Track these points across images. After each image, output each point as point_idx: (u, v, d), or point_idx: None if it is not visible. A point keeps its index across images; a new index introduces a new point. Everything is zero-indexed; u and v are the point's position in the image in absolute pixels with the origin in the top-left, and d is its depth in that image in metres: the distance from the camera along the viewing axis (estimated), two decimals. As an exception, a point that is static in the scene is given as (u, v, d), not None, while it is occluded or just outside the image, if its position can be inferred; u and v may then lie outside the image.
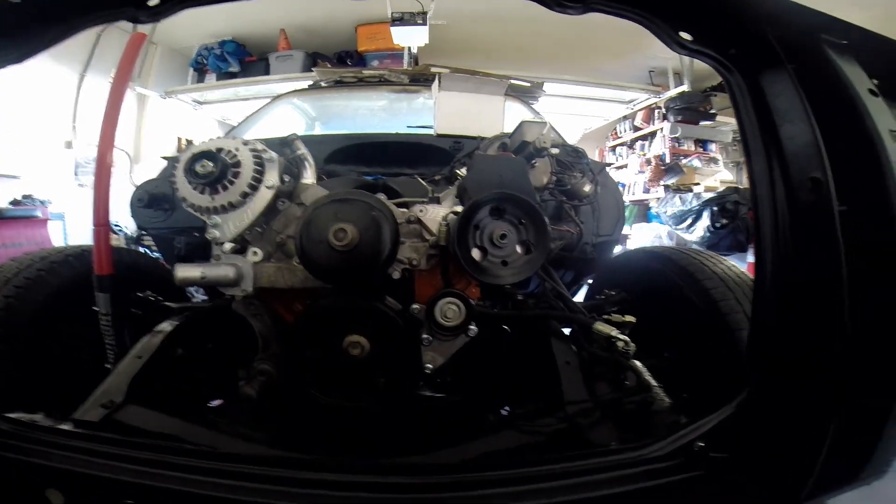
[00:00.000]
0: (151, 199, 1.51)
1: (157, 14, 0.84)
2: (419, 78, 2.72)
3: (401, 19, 3.39)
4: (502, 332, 1.20)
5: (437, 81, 1.92)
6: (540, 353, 1.07)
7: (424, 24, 3.43)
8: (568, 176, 1.42)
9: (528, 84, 2.86)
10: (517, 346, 1.22)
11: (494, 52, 5.13)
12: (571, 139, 1.63)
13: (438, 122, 1.81)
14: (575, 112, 5.68)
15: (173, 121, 5.28)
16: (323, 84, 2.79)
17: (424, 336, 0.93)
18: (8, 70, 0.86)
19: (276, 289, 0.96)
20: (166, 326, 1.09)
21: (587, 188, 1.44)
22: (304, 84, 3.09)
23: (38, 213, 3.61)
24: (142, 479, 0.72)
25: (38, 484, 0.73)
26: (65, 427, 0.83)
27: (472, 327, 0.92)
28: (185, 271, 0.92)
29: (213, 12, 4.70)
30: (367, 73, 2.89)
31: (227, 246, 0.97)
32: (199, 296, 1.95)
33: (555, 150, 1.39)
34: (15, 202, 3.59)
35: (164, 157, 1.77)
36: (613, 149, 6.55)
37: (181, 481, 0.72)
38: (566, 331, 1.08)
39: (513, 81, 2.61)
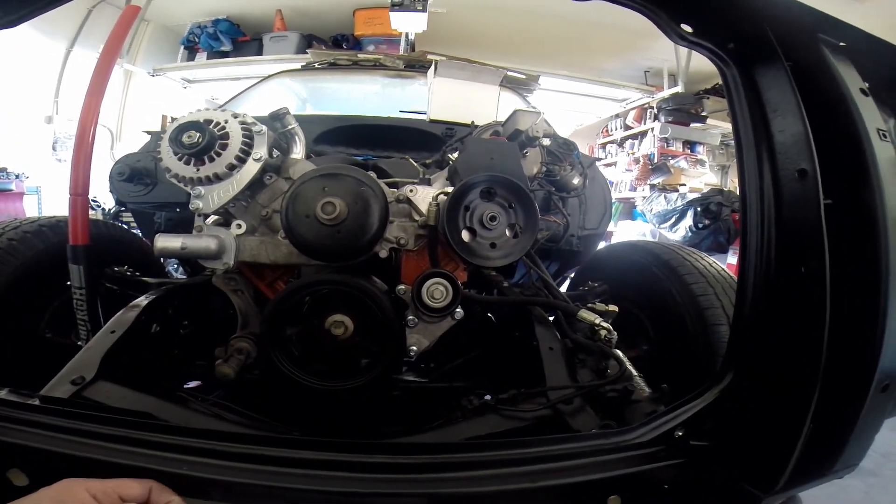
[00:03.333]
0: (132, 173, 1.47)
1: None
2: (415, 64, 2.69)
3: (400, 4, 3.34)
4: (486, 318, 1.19)
5: (433, 67, 1.90)
6: (523, 339, 1.07)
7: (424, 10, 3.39)
8: (558, 167, 1.42)
9: (524, 76, 2.85)
10: (501, 332, 1.22)
11: (492, 44, 5.10)
12: (563, 134, 1.62)
13: (432, 107, 1.79)
14: (567, 108, 5.69)
15: (160, 99, 5.14)
16: (316, 65, 2.74)
17: (410, 318, 0.92)
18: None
19: (259, 264, 0.94)
20: (142, 301, 1.06)
21: (576, 181, 1.44)
22: (297, 66, 3.03)
23: (13, 187, 3.49)
24: (111, 457, 0.69)
25: (0, 464, 0.69)
26: (31, 403, 0.79)
27: (458, 310, 0.91)
28: (165, 241, 0.89)
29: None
30: (362, 56, 2.85)
31: (211, 218, 0.95)
32: (177, 276, 1.91)
33: (546, 141, 1.39)
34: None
35: (147, 132, 1.72)
36: (603, 146, 6.60)
37: (153, 459, 0.69)
38: (550, 318, 1.09)
39: (509, 73, 2.60)
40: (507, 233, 0.89)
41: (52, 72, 4.34)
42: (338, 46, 4.85)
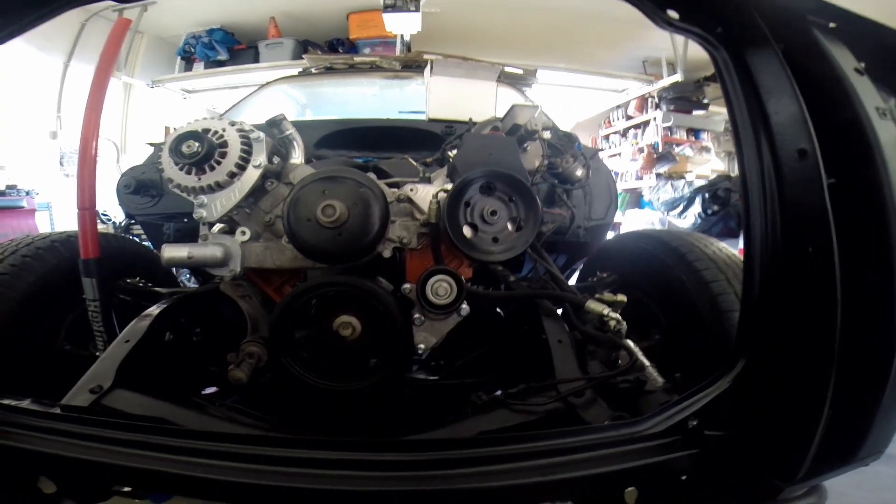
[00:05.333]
0: (139, 186, 1.49)
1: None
2: (411, 65, 2.68)
3: (393, 6, 3.34)
4: (495, 314, 1.19)
5: (429, 66, 1.90)
6: (532, 333, 1.07)
7: (417, 10, 3.39)
8: (560, 160, 1.42)
9: (521, 71, 2.84)
10: (509, 326, 1.22)
11: (487, 41, 5.09)
12: (564, 127, 1.62)
13: (430, 106, 1.79)
14: (568, 101, 5.67)
15: (161, 110, 5.19)
16: (313, 71, 2.75)
17: (416, 316, 0.92)
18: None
19: (265, 269, 0.95)
20: (154, 310, 1.07)
21: (579, 172, 1.43)
22: (294, 72, 3.04)
23: (24, 204, 3.55)
24: (133, 463, 0.71)
25: (29, 472, 0.71)
26: (53, 412, 0.81)
27: (464, 306, 0.92)
28: (172, 251, 0.91)
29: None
30: (358, 59, 2.85)
31: (216, 227, 0.96)
32: (190, 285, 1.93)
33: (546, 134, 1.38)
34: (-1, 192, 3.52)
35: (151, 144, 1.74)
36: (606, 137, 6.55)
37: (170, 463, 0.71)
38: (559, 311, 1.08)
39: (506, 68, 2.59)
40: (509, 226, 0.89)
41: (53, 87, 4.40)
42: (333, 51, 4.86)
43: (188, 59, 5.09)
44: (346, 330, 0.89)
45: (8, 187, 3.61)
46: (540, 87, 3.20)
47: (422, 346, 0.93)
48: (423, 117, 1.79)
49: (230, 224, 0.97)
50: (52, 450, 0.71)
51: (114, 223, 3.44)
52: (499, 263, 0.99)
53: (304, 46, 4.84)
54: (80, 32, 4.40)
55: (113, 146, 4.24)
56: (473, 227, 0.88)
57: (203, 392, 1.15)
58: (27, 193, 3.66)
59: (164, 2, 4.41)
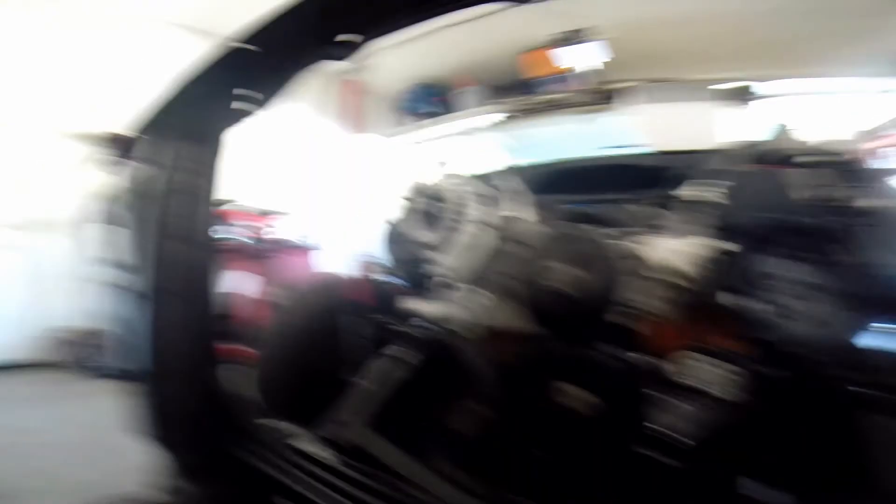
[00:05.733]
0: (394, 236, 1.71)
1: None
2: (608, 95, 2.55)
3: (569, 40, 3.24)
4: (780, 401, 0.92)
5: (633, 95, 1.74)
6: (838, 425, 0.78)
7: (597, 40, 3.21)
8: (844, 189, 1.07)
9: (747, 84, 2.40)
10: (800, 418, 0.92)
11: (689, 56, 4.43)
12: (838, 142, 1.22)
13: (645, 138, 1.62)
14: (832, 111, 4.42)
15: (401, 164, 6.04)
16: (511, 115, 2.87)
17: (663, 396, 0.77)
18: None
19: (496, 329, 0.94)
20: (403, 354, 1.12)
21: (872, 202, 1.05)
22: (492, 118, 3.20)
23: (309, 245, 4.49)
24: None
25: (267, 493, 0.78)
26: (306, 445, 0.90)
27: (731, 390, 0.72)
28: (413, 304, 0.98)
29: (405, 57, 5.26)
30: (551, 97, 2.86)
31: (453, 282, 1.00)
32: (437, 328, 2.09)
33: (819, 158, 1.07)
34: (288, 236, 4.52)
35: (402, 197, 2.00)
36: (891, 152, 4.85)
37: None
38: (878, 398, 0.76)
39: (724, 84, 2.22)
40: (807, 294, 0.67)
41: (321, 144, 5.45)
42: (524, 92, 4.99)
43: (407, 114, 5.88)
44: (576, 402, 0.80)
45: (295, 231, 4.63)
46: (778, 99, 2.60)
47: (667, 430, 0.77)
48: (637, 151, 1.62)
49: (465, 280, 1.00)
50: (285, 478, 0.78)
51: (380, 267, 4.06)
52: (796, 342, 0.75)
53: (496, 91, 5.11)
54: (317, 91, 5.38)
55: (372, 198, 5.05)
56: (748, 294, 0.69)
57: (425, 439, 1.20)
58: (312, 237, 4.63)
59: (383, 61, 5.21)
